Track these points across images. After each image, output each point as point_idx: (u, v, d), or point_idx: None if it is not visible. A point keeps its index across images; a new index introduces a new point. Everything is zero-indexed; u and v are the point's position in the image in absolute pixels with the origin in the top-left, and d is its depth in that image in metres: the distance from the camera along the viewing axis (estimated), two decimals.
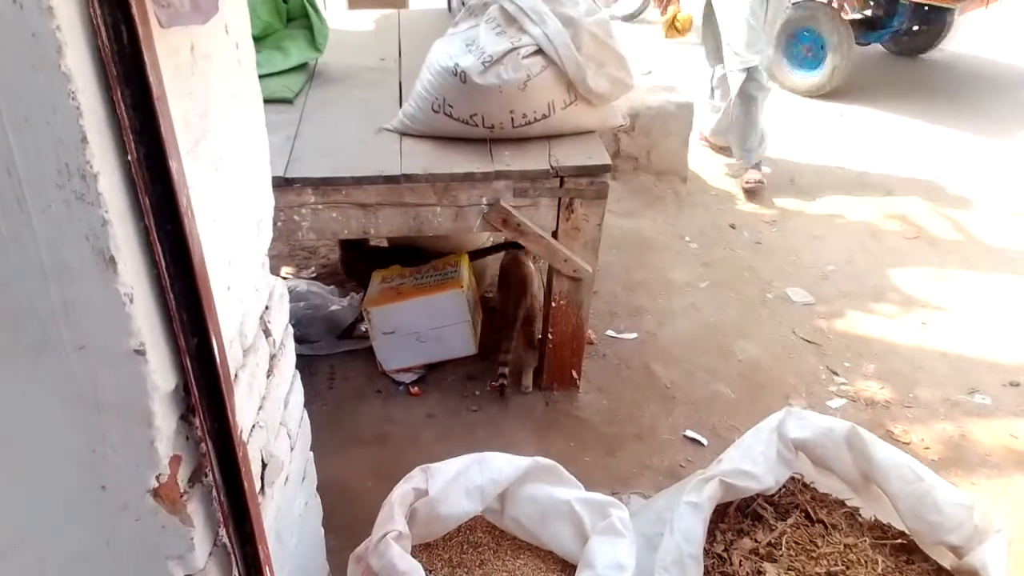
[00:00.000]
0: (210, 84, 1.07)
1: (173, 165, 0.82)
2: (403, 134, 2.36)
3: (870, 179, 4.39)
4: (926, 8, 5.51)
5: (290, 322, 2.92)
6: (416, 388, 2.72)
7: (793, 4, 5.28)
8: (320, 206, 2.17)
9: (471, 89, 2.17)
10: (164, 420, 0.93)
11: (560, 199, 2.26)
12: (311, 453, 1.71)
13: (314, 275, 3.35)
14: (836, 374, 2.89)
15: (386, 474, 2.33)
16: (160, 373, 0.90)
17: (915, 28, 5.91)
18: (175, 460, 0.98)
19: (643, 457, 2.45)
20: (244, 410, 1.20)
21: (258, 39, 2.71)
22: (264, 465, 1.32)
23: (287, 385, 1.50)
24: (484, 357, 2.84)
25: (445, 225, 2.26)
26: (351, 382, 2.76)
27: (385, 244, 3.17)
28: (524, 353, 2.74)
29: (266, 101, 2.59)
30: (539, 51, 2.17)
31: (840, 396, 2.79)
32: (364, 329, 2.88)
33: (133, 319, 0.84)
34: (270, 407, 1.37)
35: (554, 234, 2.32)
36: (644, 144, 3.95)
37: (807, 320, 3.19)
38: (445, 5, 3.63)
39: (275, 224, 2.19)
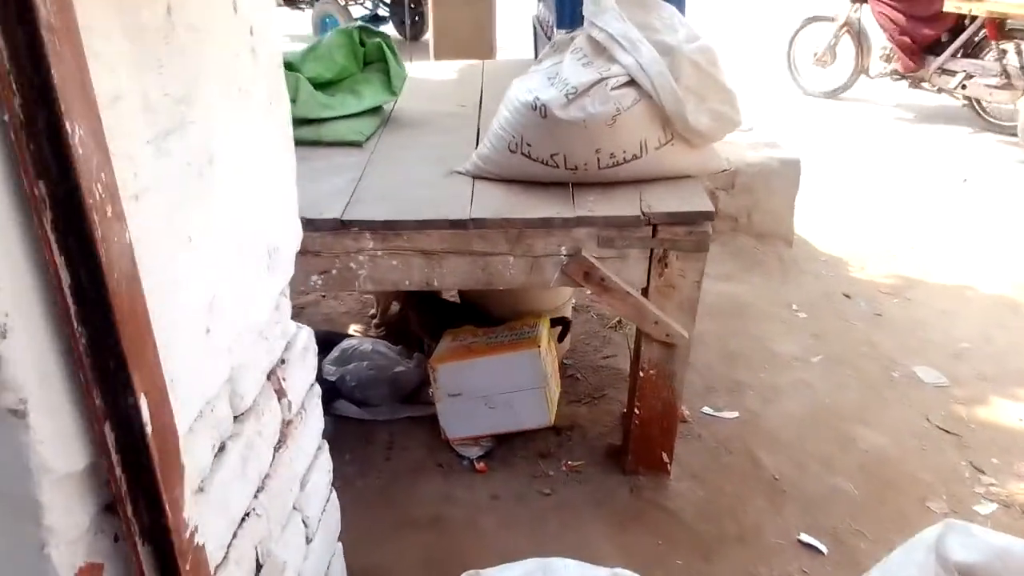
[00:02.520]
0: (197, 65, 0.81)
1: (75, 131, 0.54)
2: (476, 177, 2.09)
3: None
4: None
5: (351, 383, 2.67)
6: (481, 464, 2.38)
7: None
8: (379, 253, 1.90)
9: (552, 125, 1.89)
10: (65, 516, 0.63)
11: (652, 251, 1.92)
12: (339, 544, 1.39)
13: (383, 334, 3.09)
14: (982, 472, 2.38)
15: (439, 568, 1.98)
16: (53, 445, 0.60)
17: None
18: (90, 571, 0.68)
19: (747, 564, 2.01)
20: (230, 496, 0.90)
21: (334, 82, 2.54)
22: (259, 567, 1.00)
23: (306, 460, 1.20)
24: (560, 431, 2.48)
25: (518, 278, 1.95)
26: (410, 453, 2.45)
27: (458, 301, 2.89)
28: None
29: (335, 144, 2.42)
30: (631, 82, 1.87)
31: (989, 499, 2.27)
32: (430, 394, 2.58)
33: (6, 364, 0.56)
34: (276, 488, 1.06)
35: (644, 292, 1.98)
36: (745, 203, 3.57)
37: (942, 405, 2.69)
38: (532, 55, 3.42)
39: (330, 272, 1.96)
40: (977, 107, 5.33)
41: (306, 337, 1.19)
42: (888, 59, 5.61)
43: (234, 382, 0.93)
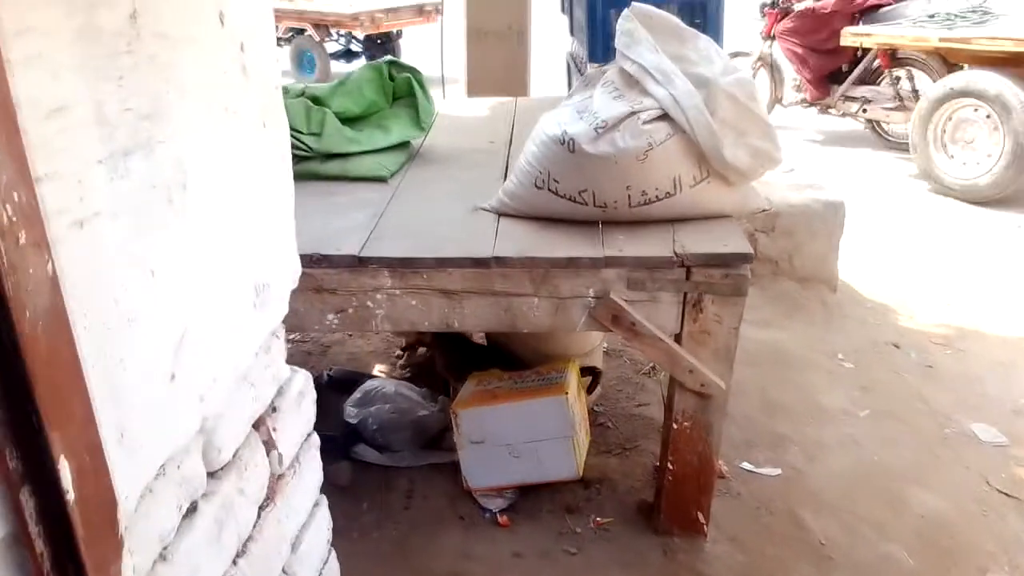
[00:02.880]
0: (170, 78, 0.72)
1: None
2: (501, 214, 1.99)
3: None
4: None
5: (372, 426, 2.56)
6: (504, 517, 2.24)
7: None
8: (397, 291, 1.81)
9: (581, 160, 1.79)
10: None
11: (685, 295, 1.79)
12: None
13: (409, 375, 2.99)
14: None
15: None
16: None
17: None
18: None
19: None
20: (201, 564, 0.79)
21: (362, 117, 2.48)
22: None
23: (299, 518, 1.08)
24: (588, 485, 2.33)
25: (543, 321, 1.83)
26: (431, 503, 2.32)
27: (485, 343, 2.78)
28: None
29: (360, 180, 2.36)
30: (664, 116, 1.77)
31: None
32: (455, 440, 2.46)
33: None
34: (261, 553, 0.95)
35: (677, 338, 1.84)
36: (786, 246, 3.42)
37: (1002, 466, 2.48)
38: (566, 92, 3.35)
39: (346, 311, 1.87)
40: (877, 128, 5.90)
41: (302, 382, 1.09)
42: (798, 89, 6.14)
43: (209, 433, 0.83)
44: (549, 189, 1.86)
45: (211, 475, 0.86)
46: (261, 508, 0.98)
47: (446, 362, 2.67)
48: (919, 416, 2.73)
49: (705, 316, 1.81)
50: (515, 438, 2.26)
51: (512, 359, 2.57)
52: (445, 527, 2.21)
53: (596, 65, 2.47)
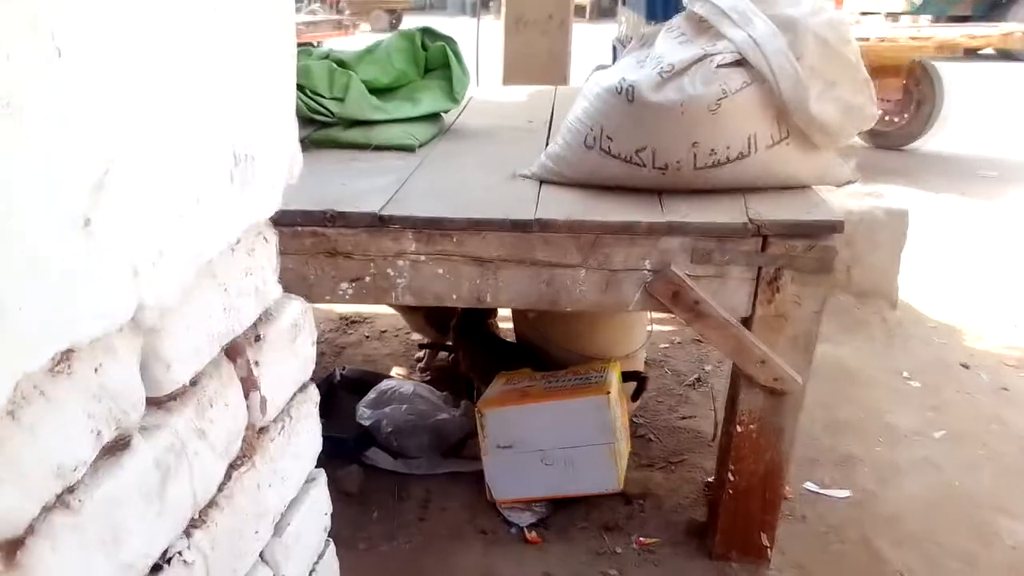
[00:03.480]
0: None
1: None
2: (543, 181, 1.74)
3: None
4: None
5: (387, 429, 2.28)
6: (533, 533, 1.94)
7: None
8: (422, 258, 1.55)
9: (640, 112, 1.54)
10: None
11: (760, 270, 1.52)
12: None
13: (428, 379, 2.72)
14: None
15: None
16: None
17: None
18: None
19: None
20: (127, 526, 0.52)
21: (391, 88, 2.26)
22: None
23: (287, 491, 0.81)
24: (630, 500, 2.04)
25: (589, 296, 1.56)
26: (449, 515, 2.03)
27: (514, 341, 2.50)
28: None
29: (386, 148, 2.12)
30: (741, 62, 1.52)
31: None
32: (477, 445, 2.18)
33: None
34: (228, 526, 0.68)
35: (746, 322, 1.56)
36: (844, 257, 3.11)
37: None
38: None
39: (363, 279, 1.61)
40: None
41: (298, 312, 0.83)
42: None
43: (152, 336, 0.57)
44: (601, 148, 1.61)
45: (155, 402, 0.60)
46: (233, 467, 0.71)
47: (471, 361, 2.39)
48: (998, 440, 2.41)
49: (782, 297, 1.53)
50: (548, 443, 1.98)
51: (544, 360, 2.29)
52: (465, 543, 1.92)
53: (654, 22, 2.22)
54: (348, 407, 2.42)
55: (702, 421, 2.43)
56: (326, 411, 2.41)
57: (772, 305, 1.54)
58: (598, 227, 1.51)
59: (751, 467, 1.70)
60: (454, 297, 1.59)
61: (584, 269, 1.54)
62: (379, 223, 1.53)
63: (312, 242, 1.54)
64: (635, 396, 2.24)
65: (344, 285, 1.58)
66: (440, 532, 1.95)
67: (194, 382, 0.64)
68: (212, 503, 0.67)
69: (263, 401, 0.76)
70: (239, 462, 0.72)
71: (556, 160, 1.70)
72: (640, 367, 2.46)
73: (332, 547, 0.95)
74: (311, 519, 0.88)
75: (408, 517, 2.01)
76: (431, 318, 2.68)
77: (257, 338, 0.75)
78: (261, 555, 0.77)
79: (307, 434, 0.86)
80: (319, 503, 0.90)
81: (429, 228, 1.53)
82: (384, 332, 3.12)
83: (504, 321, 2.71)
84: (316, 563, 0.90)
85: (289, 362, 0.81)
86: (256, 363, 0.74)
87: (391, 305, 2.67)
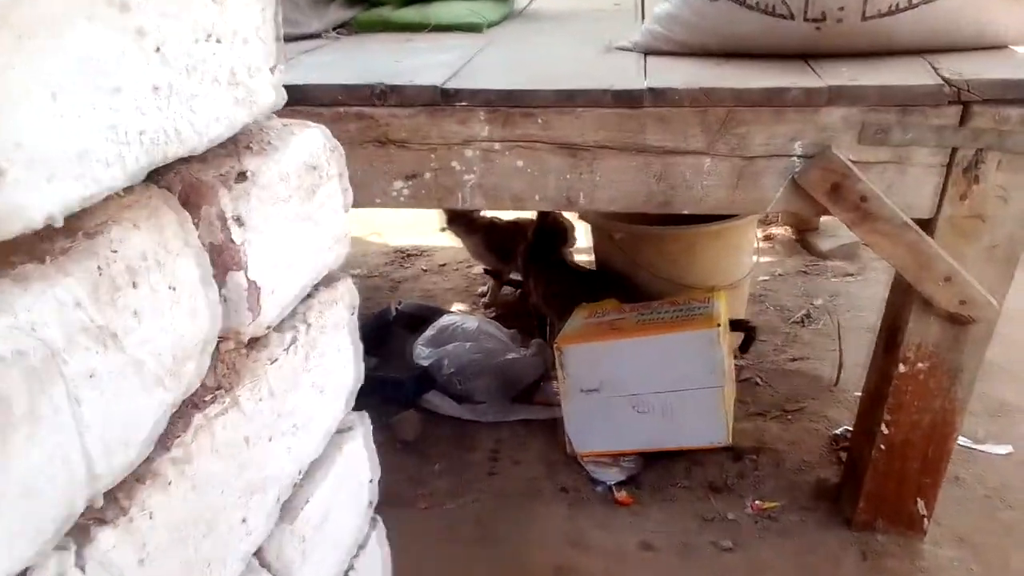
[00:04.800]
0: None
1: None
2: (649, 52, 1.34)
3: None
4: None
5: (449, 370, 1.95)
6: (624, 493, 1.60)
7: None
8: (497, 145, 1.18)
9: None
10: None
11: (954, 153, 1.10)
12: None
13: (493, 315, 2.38)
14: None
15: None
16: None
17: None
18: None
19: None
20: None
21: None
22: None
23: (307, 446, 0.46)
24: (739, 455, 1.67)
25: (715, 194, 1.18)
26: (523, 469, 1.70)
27: (593, 268, 2.13)
28: None
29: (447, 28, 1.71)
30: None
31: None
32: (554, 389, 1.84)
33: None
34: (184, 503, 0.32)
35: (926, 225, 1.16)
36: None
37: None
38: None
39: (421, 176, 1.25)
40: None
41: (319, 146, 0.47)
42: None
43: None
44: None
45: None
46: (193, 405, 0.37)
47: (544, 292, 2.04)
48: None
49: (982, 190, 1.12)
50: (642, 387, 1.62)
51: (631, 290, 1.92)
52: (543, 502, 1.59)
53: None
54: (404, 346, 2.11)
55: (817, 363, 2.03)
56: (379, 350, 2.11)
57: (966, 202, 1.13)
58: (732, 97, 1.11)
59: (913, 417, 1.32)
60: (537, 198, 1.22)
61: (710, 157, 1.15)
62: (442, 99, 1.16)
63: (358, 127, 1.19)
64: (744, 348, 1.85)
65: (398, 184, 1.23)
66: (513, 489, 1.63)
67: (90, 234, 0.30)
68: (138, 475, 0.33)
69: (253, 290, 0.41)
70: (205, 397, 0.38)
71: (667, 22, 1.30)
72: (743, 302, 2.07)
73: (379, 532, 0.61)
74: (344, 492, 0.54)
75: (476, 471, 1.69)
76: (494, 242, 2.33)
77: (242, 177, 0.40)
78: (257, 555, 0.44)
79: (336, 356, 0.51)
80: (356, 467, 0.56)
81: (506, 104, 1.15)
82: (444, 265, 2.78)
83: (581, 254, 2.34)
84: (354, 558, 0.56)
85: (303, 231, 0.46)
86: (238, 220, 0.39)
87: (451, 221, 2.33)
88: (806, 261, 2.70)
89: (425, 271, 2.74)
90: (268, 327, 0.43)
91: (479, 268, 2.65)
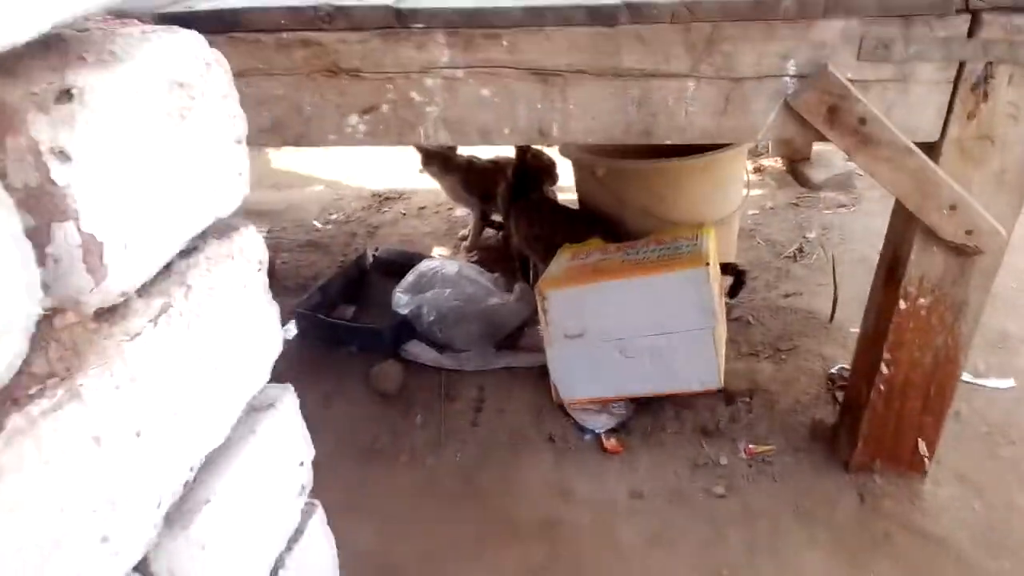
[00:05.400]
0: None
1: None
2: None
3: None
4: None
5: (429, 317, 1.85)
6: (613, 441, 1.54)
7: None
8: (460, 72, 1.07)
9: None
10: None
11: (962, 68, 1.00)
12: None
13: (475, 259, 2.29)
14: None
15: None
16: None
17: None
18: None
19: None
20: None
21: None
22: None
23: (196, 445, 0.36)
24: (731, 399, 1.61)
25: (700, 121, 1.07)
26: (508, 419, 1.63)
27: (576, 206, 2.03)
28: None
29: None
30: None
31: None
32: (539, 335, 1.76)
33: None
34: None
35: (929, 149, 1.06)
36: None
37: None
38: None
39: (378, 108, 1.13)
40: None
41: (191, 48, 0.37)
42: None
43: None
44: None
45: None
46: (8, 400, 0.28)
47: (526, 233, 1.94)
48: None
49: (991, 108, 1.01)
50: (629, 330, 1.54)
51: (616, 229, 1.83)
52: (530, 452, 1.53)
53: None
54: (383, 294, 2.02)
55: (811, 298, 1.96)
56: (356, 298, 2.02)
57: (974, 122, 1.03)
58: (718, 11, 0.99)
59: (914, 355, 1.24)
60: (506, 131, 1.11)
61: (694, 79, 1.04)
62: (396, 21, 1.04)
63: (304, 55, 1.07)
64: (732, 293, 1.75)
65: (353, 119, 1.11)
66: (498, 439, 1.57)
67: None
68: None
69: (91, 247, 0.31)
70: (29, 389, 0.29)
71: None
72: (734, 239, 1.98)
73: (318, 519, 0.53)
74: (264, 480, 0.45)
75: (458, 422, 1.62)
76: (472, 182, 2.22)
77: (65, 95, 0.30)
78: (140, 571, 0.36)
79: (238, 323, 0.42)
80: (280, 449, 0.47)
81: (468, 26, 1.03)
82: (423, 208, 2.68)
83: (565, 192, 2.23)
84: (285, 553, 0.48)
85: (169, 168, 0.36)
86: (62, 154, 0.30)
87: (427, 162, 2.22)
88: (797, 193, 2.61)
89: (404, 215, 2.64)
90: (123, 293, 0.34)
91: (460, 210, 2.55)
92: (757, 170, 2.72)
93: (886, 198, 2.52)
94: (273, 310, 0.47)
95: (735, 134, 1.08)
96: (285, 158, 3.23)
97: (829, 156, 2.74)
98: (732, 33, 1.01)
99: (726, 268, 1.70)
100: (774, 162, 2.76)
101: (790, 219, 2.39)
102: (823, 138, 1.06)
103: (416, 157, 2.25)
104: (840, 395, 1.57)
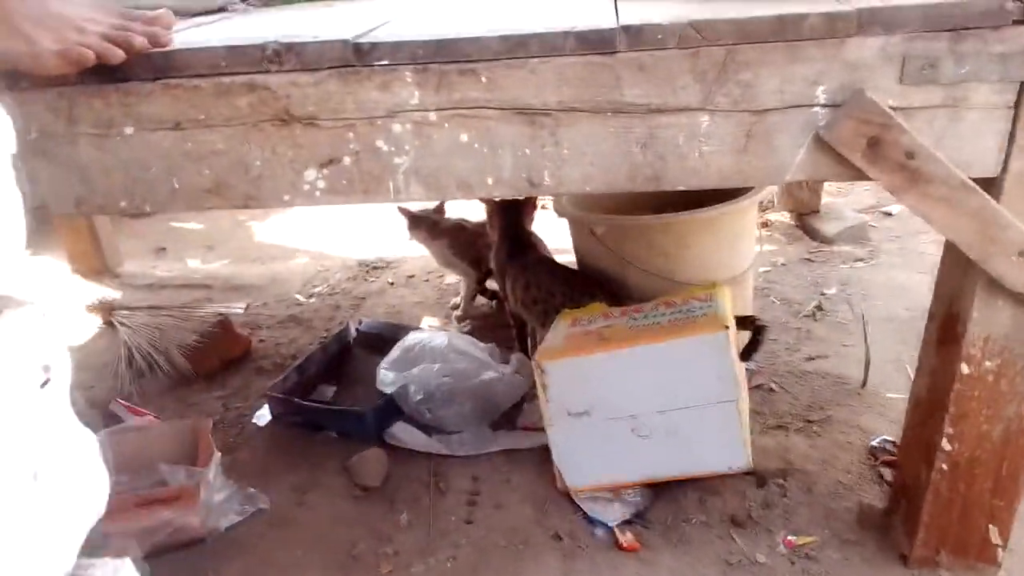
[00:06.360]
0: None
1: None
2: None
3: None
4: None
5: (416, 397, 1.56)
6: (629, 536, 1.33)
7: None
8: (432, 115, 0.91)
9: None
10: None
11: (1022, 89, 0.84)
12: None
13: (468, 329, 2.11)
14: None
15: None
16: None
17: None
18: None
19: None
20: None
21: None
22: None
23: None
24: (762, 481, 1.40)
25: (717, 161, 0.91)
26: (506, 514, 1.42)
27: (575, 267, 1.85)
28: None
29: None
30: None
31: None
32: (539, 412, 1.57)
33: None
34: None
35: (989, 185, 0.90)
36: None
37: None
38: None
39: (339, 160, 0.93)
40: None
41: None
42: None
43: None
44: None
45: None
46: None
47: (523, 295, 1.76)
48: None
49: None
50: (641, 405, 1.35)
51: (618, 290, 1.65)
52: (534, 554, 1.32)
53: None
54: (367, 371, 1.83)
55: (838, 361, 1.77)
56: (338, 376, 1.82)
57: None
58: (733, 31, 0.84)
59: (981, 428, 1.05)
60: (490, 182, 0.95)
61: (708, 113, 0.88)
62: (355, 57, 0.89)
63: (250, 102, 0.92)
64: (747, 354, 1.50)
65: (310, 174, 0.95)
66: (495, 541, 1.35)
67: None
68: None
69: None
70: None
71: None
72: (749, 298, 1.81)
73: None
74: None
75: (450, 519, 1.41)
76: (462, 247, 2.06)
77: None
78: None
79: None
80: None
81: (439, 60, 0.88)
82: (411, 277, 2.51)
83: (562, 255, 2.07)
84: None
85: None
86: None
87: (413, 226, 2.06)
88: (809, 248, 2.45)
89: (392, 284, 2.47)
90: None
91: (451, 278, 2.39)
92: (764, 225, 2.57)
93: (905, 250, 2.36)
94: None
95: (759, 175, 0.91)
96: (268, 230, 3.09)
97: (840, 208, 2.60)
98: (750, 57, 0.85)
99: (742, 322, 1.49)
100: (782, 216, 2.61)
101: (804, 276, 2.23)
102: (862, 177, 0.89)
103: (403, 222, 2.10)
104: (887, 473, 1.37)
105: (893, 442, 1.45)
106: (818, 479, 1.39)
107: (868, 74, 0.85)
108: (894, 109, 0.86)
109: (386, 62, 0.89)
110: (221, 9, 1.32)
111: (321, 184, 0.96)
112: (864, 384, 1.65)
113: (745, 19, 0.84)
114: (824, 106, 0.87)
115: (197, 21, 1.20)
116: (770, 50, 0.85)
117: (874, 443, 1.45)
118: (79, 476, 0.28)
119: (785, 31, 0.84)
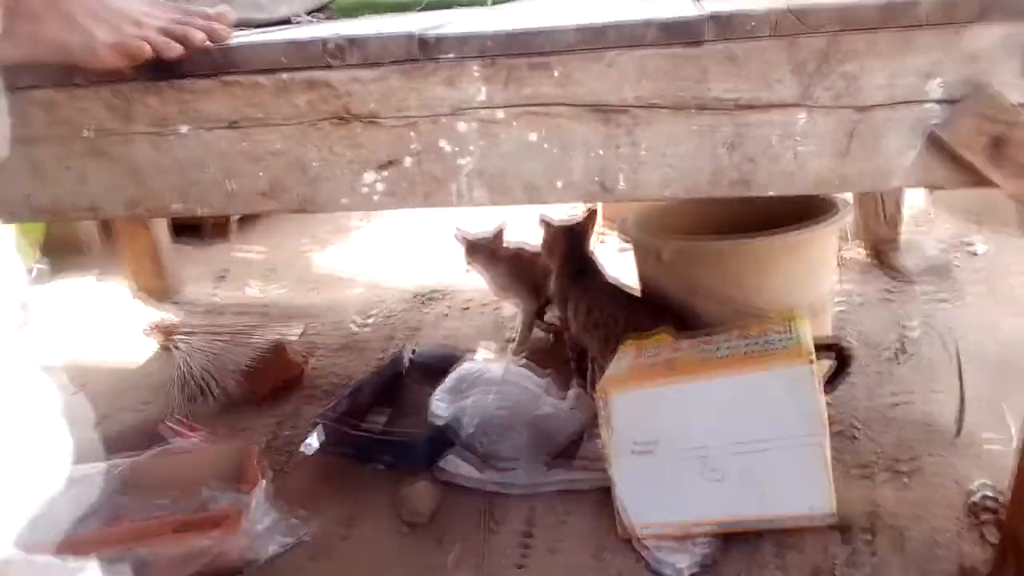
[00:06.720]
0: None
1: None
2: None
3: None
4: None
5: (470, 428, 1.47)
6: None
7: None
8: (500, 113, 0.85)
9: None
10: None
11: None
12: None
13: (523, 363, 2.01)
14: None
15: None
16: None
17: None
18: None
19: None
20: None
21: None
22: None
23: None
24: (846, 532, 1.26)
25: (814, 164, 0.82)
26: (562, 557, 1.31)
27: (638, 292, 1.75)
28: None
29: (446, 5, 1.15)
30: None
31: None
32: (601, 448, 1.46)
33: None
34: None
35: None
36: None
37: None
38: None
39: (400, 162, 0.85)
40: None
41: None
42: None
43: None
44: None
45: None
46: None
47: (585, 320, 1.66)
48: None
49: None
50: (713, 442, 1.24)
51: (686, 318, 1.54)
52: None
53: None
54: (420, 399, 1.76)
55: (925, 405, 1.62)
56: (390, 403, 1.75)
57: None
58: (835, 18, 0.76)
59: None
60: (559, 185, 0.88)
61: (805, 110, 0.80)
62: (420, 51, 0.83)
63: (309, 100, 0.87)
64: (831, 382, 1.39)
65: (369, 176, 0.89)
66: None
67: None
68: None
69: None
70: None
71: None
72: (828, 329, 1.68)
73: None
74: None
75: (501, 560, 1.30)
76: (520, 273, 1.99)
77: None
78: None
79: None
80: None
81: (509, 54, 0.82)
82: (467, 307, 2.44)
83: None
84: None
85: None
86: None
87: (471, 252, 2.00)
88: (888, 284, 2.29)
89: (447, 314, 2.41)
90: None
91: (507, 309, 2.31)
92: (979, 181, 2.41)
93: (995, 292, 2.18)
94: None
95: (862, 180, 0.82)
96: (327, 259, 3.08)
97: (919, 242, 2.44)
98: (855, 46, 0.76)
99: (825, 348, 1.35)
100: (857, 251, 2.47)
101: (883, 314, 2.08)
102: (984, 182, 0.79)
103: (460, 249, 2.04)
104: (991, 532, 1.22)
105: (995, 498, 1.29)
106: (910, 535, 1.24)
107: (988, 66, 0.75)
108: (1022, 105, 0.75)
109: (452, 56, 0.83)
110: (285, 21, 1.29)
111: (380, 187, 0.90)
112: (959, 432, 1.49)
113: (848, 5, 0.75)
114: (939, 101, 0.77)
115: (260, 31, 1.18)
116: (878, 39, 0.76)
117: (974, 497, 1.30)
118: (36, 432, 0.21)
119: (895, 17, 0.75)
